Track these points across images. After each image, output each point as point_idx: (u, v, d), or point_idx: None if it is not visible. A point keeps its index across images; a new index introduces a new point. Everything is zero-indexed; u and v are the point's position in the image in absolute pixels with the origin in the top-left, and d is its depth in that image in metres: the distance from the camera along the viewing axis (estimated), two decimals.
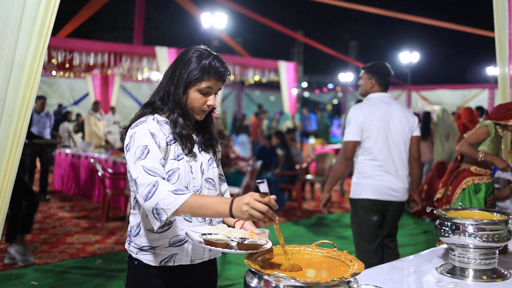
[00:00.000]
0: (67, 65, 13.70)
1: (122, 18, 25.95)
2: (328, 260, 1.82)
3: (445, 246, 2.80)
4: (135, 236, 2.01)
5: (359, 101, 8.35)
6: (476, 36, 13.64)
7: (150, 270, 1.98)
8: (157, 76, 15.16)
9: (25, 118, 1.99)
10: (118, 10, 26.16)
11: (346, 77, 25.26)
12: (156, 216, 1.76)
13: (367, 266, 1.96)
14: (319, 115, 20.41)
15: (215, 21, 12.92)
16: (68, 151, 9.92)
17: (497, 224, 2.35)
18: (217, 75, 1.97)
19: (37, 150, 8.69)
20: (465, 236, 2.36)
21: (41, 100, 9.12)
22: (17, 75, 1.95)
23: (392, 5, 15.67)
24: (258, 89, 26.85)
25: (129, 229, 2.05)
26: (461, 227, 2.38)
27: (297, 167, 8.93)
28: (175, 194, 1.75)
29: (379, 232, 4.08)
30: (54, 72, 16.55)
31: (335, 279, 1.54)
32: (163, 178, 1.83)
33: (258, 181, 1.69)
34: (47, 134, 8.93)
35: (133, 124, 1.95)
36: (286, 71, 17.78)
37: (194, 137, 2.09)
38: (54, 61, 13.10)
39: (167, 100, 2.00)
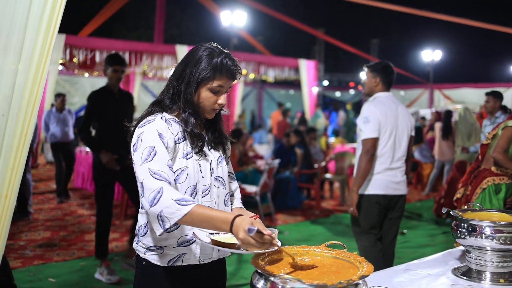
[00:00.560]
0: (88, 64, 13.85)
1: (144, 17, 26.11)
2: (338, 261, 1.79)
3: (462, 248, 2.74)
4: (143, 235, 2.00)
5: None
6: (501, 33, 13.40)
7: (158, 270, 1.97)
8: None
9: (31, 116, 2.00)
10: (141, 9, 26.34)
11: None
12: (160, 222, 1.78)
13: (369, 259, 1.93)
14: (341, 114, 20.29)
15: (234, 19, 12.90)
16: (88, 149, 10.00)
17: None
18: (228, 74, 1.94)
19: (61, 149, 8.69)
20: (481, 238, 2.30)
21: (60, 97, 8.97)
22: (23, 73, 1.95)
23: (414, 3, 15.49)
24: (279, 87, 26.80)
25: (137, 228, 2.04)
26: (478, 228, 2.32)
27: (316, 166, 8.87)
28: (179, 204, 1.74)
29: (379, 226, 4.21)
30: (76, 71, 16.75)
31: (342, 281, 1.51)
32: (169, 183, 1.82)
33: (248, 228, 1.68)
34: (70, 134, 8.83)
35: (140, 123, 1.94)
36: (307, 69, 17.70)
37: (204, 135, 2.06)
38: (75, 59, 13.26)
39: (177, 99, 1.98)
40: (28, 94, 1.96)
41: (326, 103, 29.22)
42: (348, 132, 17.92)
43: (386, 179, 4.11)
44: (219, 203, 2.03)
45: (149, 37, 22.14)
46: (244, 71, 16.40)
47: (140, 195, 1.91)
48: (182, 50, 12.48)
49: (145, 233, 1.99)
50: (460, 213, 2.49)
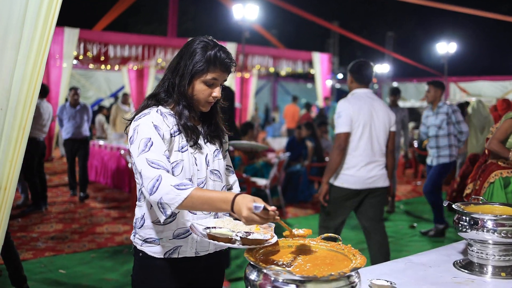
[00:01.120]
0: (102, 58, 13.95)
1: (159, 11, 26.19)
2: (332, 254, 1.80)
3: (465, 241, 2.72)
4: (139, 228, 2.01)
5: (395, 90, 8.24)
6: None
7: (154, 262, 1.99)
8: None
9: (29, 110, 2.03)
10: (155, 3, 26.42)
11: (382, 68, 24.87)
12: (162, 210, 1.78)
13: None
14: None
15: (246, 13, 12.88)
16: (101, 142, 10.09)
17: None
18: (222, 67, 1.95)
19: (74, 147, 8.26)
20: (483, 231, 2.29)
21: (72, 91, 8.32)
22: (21, 67, 1.98)
23: None
24: (292, 81, 26.73)
25: (134, 221, 2.06)
26: (479, 222, 2.30)
27: (327, 159, 8.84)
28: (178, 189, 1.75)
29: (344, 217, 4.44)
30: (93, 66, 16.88)
31: (333, 273, 1.51)
32: (167, 171, 1.82)
33: (255, 205, 1.68)
34: (85, 131, 8.28)
35: (136, 117, 1.95)
36: (320, 62, 17.65)
37: (200, 128, 2.07)
38: (89, 54, 13.36)
39: (171, 92, 1.99)
40: (26, 88, 1.99)
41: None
42: None
43: (361, 174, 4.26)
44: None
45: (164, 31, 22.20)
46: (257, 66, 16.40)
47: (139, 185, 1.93)
48: None
49: (142, 225, 2.01)
50: (462, 206, 2.48)
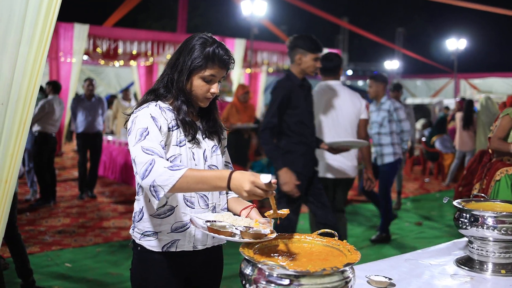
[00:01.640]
0: (111, 54, 14.02)
1: (168, 7, 26.25)
2: (327, 249, 1.80)
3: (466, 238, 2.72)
4: (138, 221, 2.03)
5: (397, 86, 8.14)
6: None
7: (153, 256, 2.00)
8: None
9: (30, 104, 2.05)
10: None
11: (392, 64, 24.78)
12: (154, 193, 1.75)
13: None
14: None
15: (255, 9, 12.87)
16: (110, 137, 10.14)
17: None
18: (220, 63, 1.96)
19: (87, 141, 7.95)
20: (483, 228, 2.29)
21: (87, 82, 7.96)
22: (22, 62, 2.00)
23: None
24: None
25: (133, 215, 2.08)
26: (480, 219, 2.30)
27: None
28: (171, 170, 1.74)
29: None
30: (102, 62, 16.96)
31: (326, 268, 1.51)
32: (161, 157, 1.83)
33: (262, 176, 1.69)
34: (99, 125, 7.98)
35: (135, 110, 1.98)
36: None
37: (198, 124, 2.09)
38: (98, 49, 13.43)
39: (170, 88, 2.01)
40: (27, 83, 2.01)
41: None
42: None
43: (331, 163, 4.49)
44: (213, 191, 2.05)
45: (173, 27, 22.26)
46: (266, 61, 16.40)
47: (136, 175, 1.96)
48: None
49: (140, 219, 2.03)
50: (463, 203, 2.47)
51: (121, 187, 8.94)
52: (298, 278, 1.51)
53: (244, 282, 1.63)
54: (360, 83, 28.70)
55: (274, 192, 1.72)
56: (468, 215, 2.34)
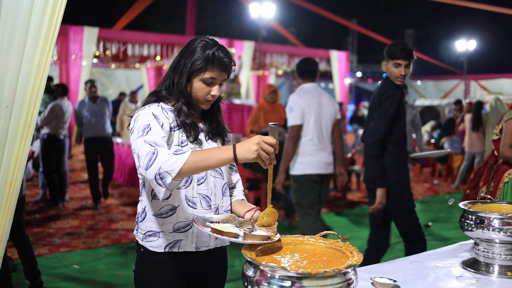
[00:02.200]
0: (121, 57, 14.10)
1: (178, 9, 26.34)
2: (330, 251, 1.79)
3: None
4: (141, 221, 2.04)
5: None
6: None
7: (155, 257, 2.01)
8: None
9: (35, 106, 2.07)
10: (174, 1, 26.57)
11: None
12: (160, 181, 1.73)
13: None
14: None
15: (263, 11, 12.88)
16: (119, 140, 10.18)
17: None
18: (221, 66, 1.97)
19: (96, 147, 7.50)
20: (489, 230, 2.27)
21: (88, 84, 7.56)
22: (27, 65, 2.02)
23: None
24: None
25: (137, 216, 2.09)
26: (485, 221, 2.28)
27: None
28: (176, 154, 1.75)
29: (318, 200, 4.77)
30: (113, 66, 17.08)
31: (328, 270, 1.51)
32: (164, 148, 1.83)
33: (271, 124, 1.73)
34: (108, 128, 7.56)
35: (137, 110, 1.99)
36: (338, 60, 17.58)
37: (201, 125, 2.10)
38: (108, 52, 13.52)
39: (172, 89, 2.02)
40: (31, 85, 2.03)
41: (359, 95, 28.93)
42: None
43: (319, 159, 4.66)
44: (216, 193, 2.06)
45: (183, 30, 22.36)
46: (275, 64, 16.41)
47: (140, 176, 1.98)
48: None
49: (143, 219, 2.04)
50: (468, 205, 2.46)
51: (130, 190, 8.97)
52: (300, 280, 1.51)
53: (246, 284, 1.63)
54: (367, 85, 28.64)
55: (274, 160, 1.76)
56: (473, 217, 2.33)
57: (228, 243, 2.12)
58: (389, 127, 3.85)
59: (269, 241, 1.80)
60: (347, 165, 8.62)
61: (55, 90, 7.52)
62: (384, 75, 4.17)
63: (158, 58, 14.09)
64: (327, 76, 23.13)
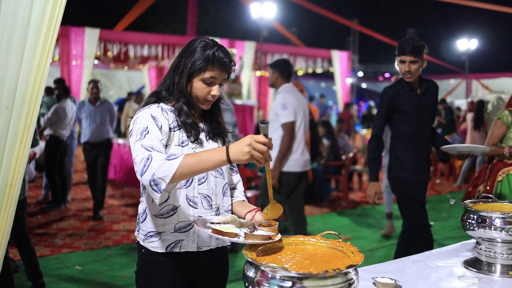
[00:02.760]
0: (122, 58, 14.11)
1: (179, 10, 26.37)
2: (331, 251, 1.79)
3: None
4: (142, 222, 2.04)
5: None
6: None
7: (157, 258, 2.01)
8: None
9: (34, 108, 2.07)
10: (175, 2, 26.60)
11: None
12: (155, 187, 1.75)
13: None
14: (373, 104, 19.99)
15: (264, 11, 12.88)
16: (120, 141, 10.18)
17: None
18: (221, 65, 1.97)
19: (94, 152, 6.99)
20: (491, 229, 2.27)
21: (91, 84, 7.02)
22: (26, 66, 2.02)
23: None
24: (312, 79, 26.63)
25: (138, 217, 2.09)
26: (487, 220, 2.29)
27: (344, 157, 8.81)
28: (169, 160, 1.75)
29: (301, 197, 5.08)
30: (111, 65, 17.08)
31: (328, 270, 1.51)
32: (160, 153, 1.83)
33: (261, 122, 1.70)
34: (107, 133, 6.99)
35: (137, 111, 1.99)
36: (340, 60, 17.56)
37: (202, 125, 2.10)
38: (109, 53, 13.53)
39: (172, 89, 2.02)
40: (31, 87, 2.03)
41: (360, 94, 28.93)
42: None
43: (302, 158, 4.91)
44: (216, 192, 2.06)
45: (184, 31, 22.38)
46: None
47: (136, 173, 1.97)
48: None
49: (144, 219, 2.04)
50: (470, 204, 2.45)
51: (132, 190, 8.97)
52: (300, 280, 1.51)
53: (247, 284, 1.63)
54: (366, 85, 28.61)
55: (271, 157, 1.74)
56: (475, 216, 2.33)
57: (229, 243, 2.13)
58: (381, 124, 3.96)
59: (270, 241, 1.80)
60: (348, 164, 8.62)
61: (57, 92, 7.50)
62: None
63: (160, 57, 14.08)
64: (329, 76, 23.14)
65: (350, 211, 7.77)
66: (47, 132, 7.22)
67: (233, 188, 2.23)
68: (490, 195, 2.66)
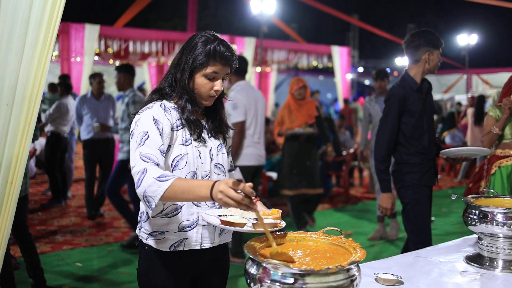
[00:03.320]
0: (122, 54, 14.07)
1: (179, 6, 26.31)
2: (333, 247, 1.79)
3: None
4: (145, 221, 2.03)
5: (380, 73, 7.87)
6: None
7: (160, 255, 2.00)
8: None
9: (35, 105, 2.07)
10: None
11: (403, 61, 24.59)
12: (147, 203, 1.79)
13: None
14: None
15: (264, 7, 12.85)
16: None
17: None
18: (222, 60, 1.96)
19: (96, 150, 6.62)
20: (493, 225, 2.26)
21: (96, 78, 6.70)
22: (27, 63, 2.02)
23: None
24: (313, 74, 26.60)
25: (139, 215, 2.07)
26: (489, 215, 2.28)
27: (344, 153, 8.80)
28: (159, 181, 1.75)
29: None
30: (111, 61, 17.03)
31: (330, 266, 1.50)
32: (157, 164, 1.83)
33: (229, 170, 1.69)
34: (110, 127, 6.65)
35: (140, 111, 1.98)
36: (340, 56, 17.52)
37: (204, 122, 2.09)
38: (110, 50, 13.50)
39: (175, 86, 2.01)
40: (31, 83, 2.03)
41: (362, 90, 28.91)
42: None
43: (256, 152, 5.05)
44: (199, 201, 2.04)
45: (184, 27, 22.30)
46: (276, 59, 16.36)
47: None
48: None
49: (148, 218, 2.02)
50: (472, 200, 2.45)
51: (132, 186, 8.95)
52: (303, 277, 1.51)
53: (249, 281, 1.63)
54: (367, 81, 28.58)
55: (252, 204, 1.65)
56: (477, 212, 2.32)
57: (231, 239, 2.14)
58: (392, 129, 3.56)
59: (277, 228, 1.84)
60: (349, 160, 8.61)
61: (59, 89, 7.48)
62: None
63: (160, 54, 14.05)
64: (329, 72, 23.10)
65: (351, 206, 7.77)
66: (48, 128, 7.22)
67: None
68: (492, 190, 2.65)
